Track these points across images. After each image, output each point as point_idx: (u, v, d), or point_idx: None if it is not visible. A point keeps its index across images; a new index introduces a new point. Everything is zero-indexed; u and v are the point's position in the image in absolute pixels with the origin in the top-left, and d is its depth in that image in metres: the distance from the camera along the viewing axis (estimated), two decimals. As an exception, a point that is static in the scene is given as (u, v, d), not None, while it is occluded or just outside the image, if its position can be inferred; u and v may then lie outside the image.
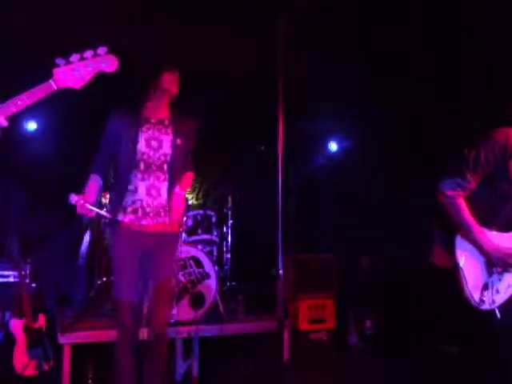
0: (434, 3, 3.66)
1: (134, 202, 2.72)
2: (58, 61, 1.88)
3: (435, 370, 4.01)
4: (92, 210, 2.59)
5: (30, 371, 3.45)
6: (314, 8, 3.80)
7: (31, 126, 5.69)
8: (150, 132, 2.76)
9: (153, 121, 2.80)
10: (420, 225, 4.93)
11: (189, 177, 2.93)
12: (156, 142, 2.76)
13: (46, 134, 5.73)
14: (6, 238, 4.07)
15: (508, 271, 2.31)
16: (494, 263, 2.30)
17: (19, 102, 1.83)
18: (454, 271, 2.26)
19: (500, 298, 2.32)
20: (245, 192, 5.51)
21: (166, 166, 2.76)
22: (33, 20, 4.09)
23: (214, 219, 4.76)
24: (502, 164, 2.27)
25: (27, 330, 3.54)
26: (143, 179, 2.72)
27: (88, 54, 1.90)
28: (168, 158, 2.76)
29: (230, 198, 5.16)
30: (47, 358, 3.54)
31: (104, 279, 4.61)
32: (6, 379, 3.42)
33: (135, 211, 2.71)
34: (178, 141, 2.78)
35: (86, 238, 5.47)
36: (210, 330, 3.96)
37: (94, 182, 2.80)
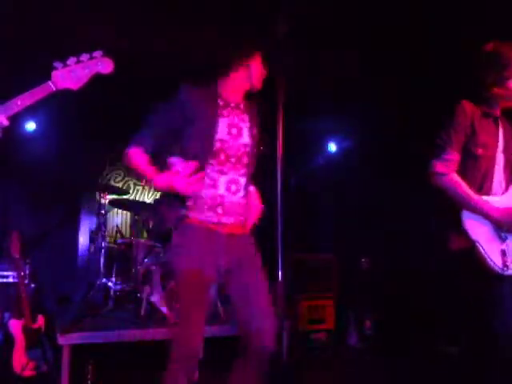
0: (434, 3, 3.66)
1: (213, 198, 2.29)
2: (56, 64, 1.95)
3: (435, 371, 4.01)
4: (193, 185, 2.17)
5: (29, 372, 3.44)
6: (313, 8, 3.79)
7: (30, 126, 5.71)
8: (231, 117, 2.36)
9: (232, 104, 2.40)
10: (420, 225, 4.94)
11: None
12: (236, 129, 2.36)
13: (46, 134, 5.75)
14: (6, 238, 4.05)
15: None
16: (504, 227, 2.30)
17: (19, 102, 1.88)
18: (472, 248, 2.26)
19: None
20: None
21: (245, 159, 2.36)
22: (32, 20, 4.08)
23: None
24: (470, 132, 2.37)
25: (26, 330, 3.54)
26: (222, 172, 2.30)
27: (84, 57, 1.98)
28: (248, 148, 2.38)
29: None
30: (46, 359, 3.53)
31: (103, 280, 4.61)
32: (5, 380, 3.41)
33: (214, 208, 2.28)
34: (254, 130, 2.43)
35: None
36: (208, 331, 3.95)
37: (143, 155, 2.30)
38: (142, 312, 4.26)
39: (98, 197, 5.20)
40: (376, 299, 5.24)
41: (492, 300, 2.28)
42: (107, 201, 5.12)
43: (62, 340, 3.45)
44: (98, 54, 1.99)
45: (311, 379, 4.03)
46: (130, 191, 6.52)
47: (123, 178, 6.64)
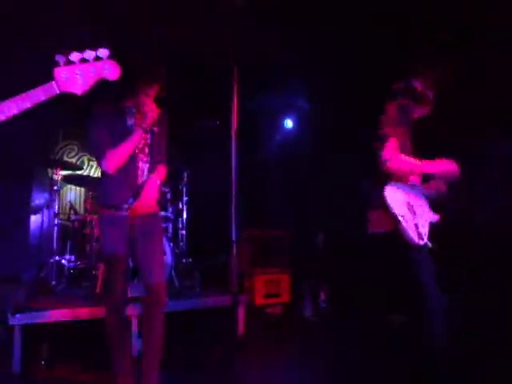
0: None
1: None
2: (58, 58, 1.70)
3: (384, 339, 4.16)
4: None
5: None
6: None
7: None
8: None
9: None
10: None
11: None
12: None
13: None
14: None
15: (421, 206, 2.66)
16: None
17: (16, 105, 1.65)
18: (395, 222, 2.51)
19: (426, 230, 2.62)
20: (199, 168, 5.45)
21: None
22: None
23: (168, 196, 4.74)
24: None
25: (-25, 312, 3.45)
26: None
27: (89, 54, 1.72)
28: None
29: (185, 174, 5.12)
30: (-3, 341, 3.46)
31: (57, 258, 4.53)
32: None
33: None
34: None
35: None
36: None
37: None
38: (98, 289, 4.23)
39: (50, 172, 5.05)
40: (331, 272, 5.35)
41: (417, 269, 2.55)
42: (60, 177, 4.99)
43: (12, 320, 3.38)
44: (104, 53, 1.73)
45: (265, 353, 4.11)
46: (84, 167, 6.38)
47: (77, 153, 6.48)
